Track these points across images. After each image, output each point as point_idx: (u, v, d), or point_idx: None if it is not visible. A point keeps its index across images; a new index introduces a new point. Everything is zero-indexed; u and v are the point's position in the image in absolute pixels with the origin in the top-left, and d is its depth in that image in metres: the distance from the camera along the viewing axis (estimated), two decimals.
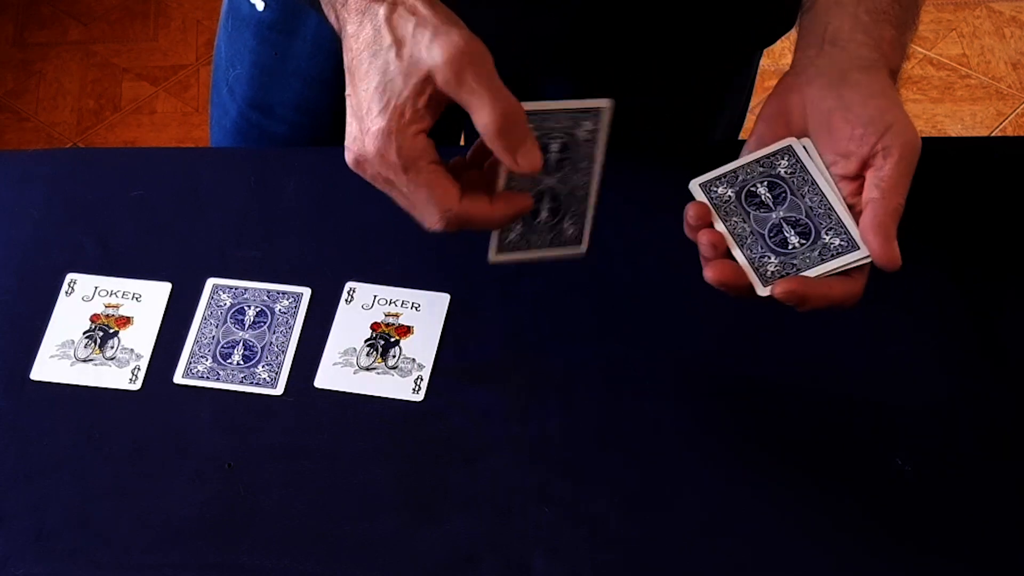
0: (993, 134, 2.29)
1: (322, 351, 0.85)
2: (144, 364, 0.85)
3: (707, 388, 0.84)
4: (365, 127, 0.70)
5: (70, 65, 2.38)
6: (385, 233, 0.91)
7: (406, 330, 0.86)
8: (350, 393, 0.83)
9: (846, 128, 0.74)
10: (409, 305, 0.87)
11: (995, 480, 0.80)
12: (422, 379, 0.84)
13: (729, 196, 0.76)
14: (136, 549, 0.77)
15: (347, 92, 0.71)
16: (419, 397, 0.83)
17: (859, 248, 0.73)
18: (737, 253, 0.74)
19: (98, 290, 0.88)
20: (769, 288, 0.73)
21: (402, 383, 0.83)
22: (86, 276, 0.89)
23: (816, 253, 0.74)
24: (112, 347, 0.85)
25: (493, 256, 0.76)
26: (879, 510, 0.78)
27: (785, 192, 0.76)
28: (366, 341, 0.85)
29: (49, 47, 2.41)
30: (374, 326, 0.86)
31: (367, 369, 0.84)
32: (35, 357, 0.85)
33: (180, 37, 2.44)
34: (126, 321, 0.87)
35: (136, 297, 0.88)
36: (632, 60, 0.95)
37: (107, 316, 0.87)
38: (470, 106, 0.69)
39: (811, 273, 0.73)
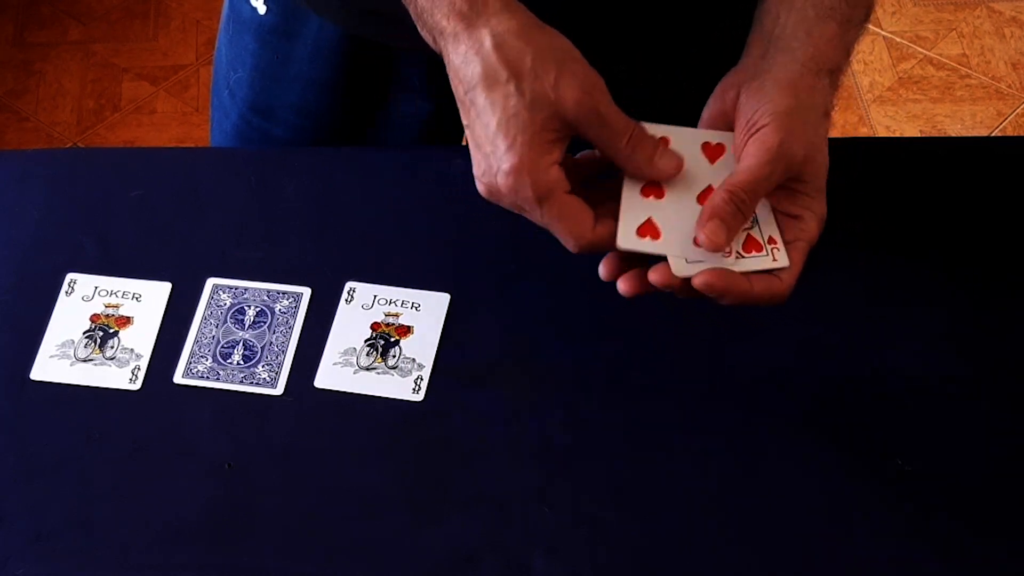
0: (993, 134, 2.29)
1: (322, 351, 0.85)
2: (144, 364, 0.85)
3: (707, 388, 0.84)
4: (495, 166, 0.70)
5: (70, 65, 2.38)
6: (385, 233, 0.91)
7: (406, 330, 0.86)
8: (350, 393, 0.83)
9: (740, 127, 0.74)
10: (409, 305, 0.87)
11: (995, 481, 0.80)
12: (422, 379, 0.84)
13: None
14: (136, 549, 0.77)
15: (464, 123, 0.72)
16: (419, 397, 0.83)
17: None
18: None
19: (98, 290, 0.88)
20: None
21: (402, 383, 0.83)
22: (86, 276, 0.89)
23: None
24: (112, 347, 0.85)
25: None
26: (880, 510, 0.78)
27: None
28: (366, 341, 0.85)
29: (49, 47, 2.41)
30: (374, 326, 0.86)
31: (367, 369, 0.84)
32: (35, 357, 0.85)
33: (180, 37, 2.44)
34: (126, 321, 0.87)
35: (136, 297, 0.88)
36: (635, 41, 0.95)
37: (107, 316, 0.87)
38: (600, 138, 0.71)
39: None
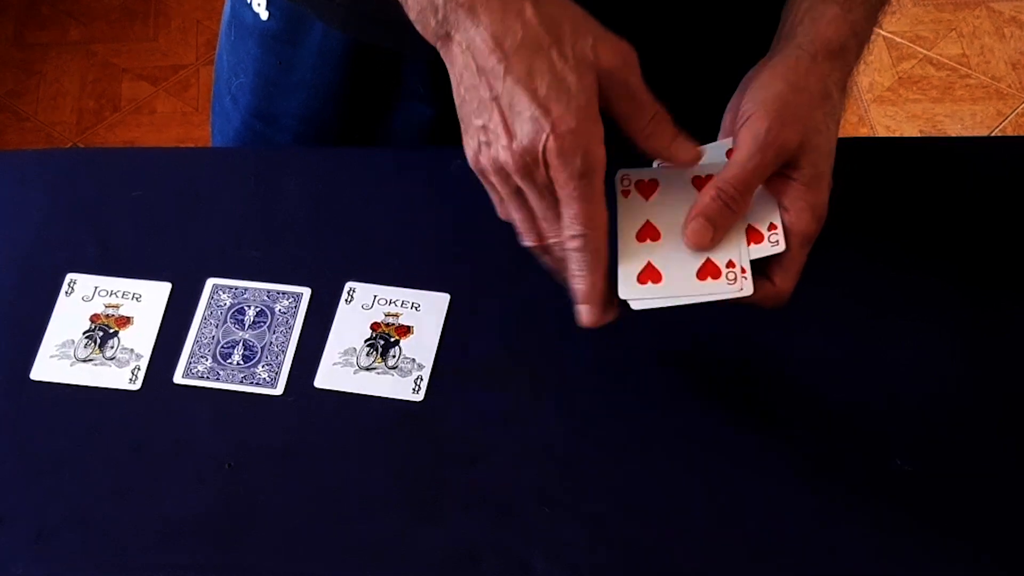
0: (993, 134, 2.29)
1: (322, 351, 0.85)
2: (144, 364, 0.85)
3: (707, 388, 0.84)
4: (546, 126, 0.66)
5: (70, 65, 2.38)
6: (385, 233, 0.91)
7: (406, 330, 0.86)
8: (350, 393, 0.83)
9: (731, 122, 0.75)
10: (409, 305, 0.87)
11: (996, 480, 0.80)
12: (422, 379, 0.84)
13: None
14: (136, 549, 0.77)
15: (487, 96, 0.68)
16: (419, 397, 0.83)
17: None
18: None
19: (98, 290, 0.88)
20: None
21: (402, 383, 0.83)
22: (86, 276, 0.89)
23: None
24: (112, 347, 0.85)
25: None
26: (879, 510, 0.78)
27: None
28: (366, 341, 0.85)
29: (49, 47, 2.42)
30: (374, 326, 0.86)
31: (367, 369, 0.84)
32: (35, 357, 0.85)
33: (180, 37, 2.44)
34: (126, 321, 0.87)
35: (136, 297, 0.88)
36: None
37: (107, 316, 0.87)
38: (626, 111, 0.69)
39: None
